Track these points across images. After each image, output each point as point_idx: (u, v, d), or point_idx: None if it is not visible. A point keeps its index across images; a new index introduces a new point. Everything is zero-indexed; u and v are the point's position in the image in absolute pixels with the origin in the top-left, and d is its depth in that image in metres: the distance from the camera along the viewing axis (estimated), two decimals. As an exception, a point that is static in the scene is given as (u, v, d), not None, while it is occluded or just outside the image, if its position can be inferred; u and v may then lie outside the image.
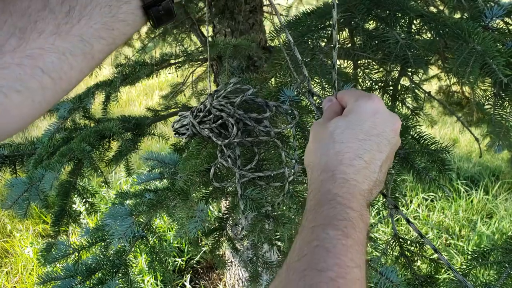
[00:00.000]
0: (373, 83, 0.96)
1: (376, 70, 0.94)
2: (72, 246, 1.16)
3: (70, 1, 0.42)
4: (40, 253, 1.31)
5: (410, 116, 1.06)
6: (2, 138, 0.43)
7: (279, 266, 1.46)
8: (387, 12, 0.81)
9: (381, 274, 0.85)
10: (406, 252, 0.98)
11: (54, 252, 1.20)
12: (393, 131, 0.55)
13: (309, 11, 0.88)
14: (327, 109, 0.62)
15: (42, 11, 0.40)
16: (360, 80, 0.96)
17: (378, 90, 0.99)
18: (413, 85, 0.95)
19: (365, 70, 0.94)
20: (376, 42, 0.80)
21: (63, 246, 1.16)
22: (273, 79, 0.86)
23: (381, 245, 1.01)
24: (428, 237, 3.01)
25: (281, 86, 0.78)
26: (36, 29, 0.40)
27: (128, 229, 0.92)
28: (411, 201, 3.33)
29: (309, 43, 0.81)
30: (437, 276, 0.94)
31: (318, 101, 0.74)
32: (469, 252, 0.93)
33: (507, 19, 0.82)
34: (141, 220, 1.05)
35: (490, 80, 0.73)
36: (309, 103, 0.76)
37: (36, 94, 0.41)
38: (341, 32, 0.89)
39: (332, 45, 0.63)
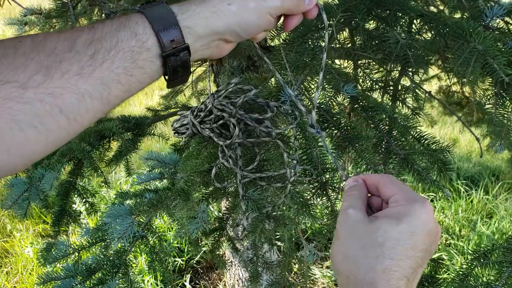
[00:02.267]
0: (373, 83, 0.96)
1: (376, 70, 0.94)
2: (72, 246, 1.16)
3: (96, 44, 0.43)
4: (40, 253, 1.31)
5: (411, 116, 1.07)
6: (8, 173, 0.43)
7: (279, 266, 1.46)
8: (388, 12, 0.81)
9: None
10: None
11: (54, 252, 1.20)
12: (436, 242, 0.50)
13: None
14: (351, 191, 0.54)
15: (68, 52, 0.42)
16: (361, 80, 0.96)
17: (378, 90, 0.99)
18: (414, 85, 0.95)
19: (365, 70, 0.94)
20: (377, 42, 0.80)
21: (63, 246, 1.16)
22: (273, 79, 0.86)
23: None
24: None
25: (281, 86, 0.78)
26: (60, 69, 0.41)
27: (128, 228, 0.91)
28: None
29: (310, 43, 0.81)
30: (438, 276, 0.94)
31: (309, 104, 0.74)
32: (470, 252, 0.93)
33: (507, 19, 0.82)
34: (141, 220, 1.04)
35: (490, 79, 0.73)
36: (308, 104, 0.76)
37: (51, 133, 0.42)
38: (341, 32, 0.89)
39: (324, 50, 0.63)
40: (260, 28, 0.53)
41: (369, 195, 0.56)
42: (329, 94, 0.83)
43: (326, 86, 0.82)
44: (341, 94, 0.81)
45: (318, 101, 0.84)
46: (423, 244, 0.48)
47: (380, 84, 0.96)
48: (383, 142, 0.82)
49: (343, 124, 0.81)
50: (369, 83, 0.95)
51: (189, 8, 0.49)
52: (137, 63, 0.46)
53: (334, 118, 0.81)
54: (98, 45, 0.43)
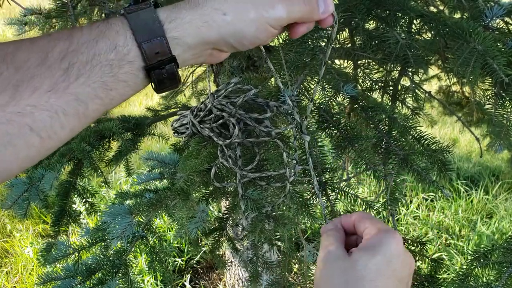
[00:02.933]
0: (373, 83, 0.96)
1: (376, 70, 0.94)
2: (72, 246, 1.16)
3: (70, 56, 0.40)
4: (40, 253, 1.31)
5: (410, 116, 1.07)
6: None
7: (279, 266, 1.46)
8: (387, 12, 0.81)
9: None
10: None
11: (54, 252, 1.20)
12: (411, 273, 0.52)
13: None
14: (332, 233, 0.55)
15: (40, 66, 0.39)
16: (360, 80, 0.96)
17: (378, 90, 0.99)
18: (413, 85, 0.95)
19: (365, 70, 0.94)
20: (376, 42, 0.80)
21: (63, 246, 1.16)
22: (272, 79, 0.86)
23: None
24: (428, 237, 3.01)
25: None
26: (31, 85, 0.38)
27: (127, 227, 0.91)
28: (411, 201, 3.33)
29: (309, 43, 0.81)
30: (438, 276, 0.94)
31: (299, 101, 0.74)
32: (470, 253, 0.93)
33: (507, 19, 0.82)
34: (141, 219, 1.05)
35: (490, 79, 0.73)
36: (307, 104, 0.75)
37: (21, 151, 0.40)
38: (341, 32, 0.89)
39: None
40: (259, 41, 0.48)
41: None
42: (328, 94, 0.83)
43: (326, 86, 0.82)
44: (340, 94, 0.81)
45: (318, 101, 0.85)
46: (401, 272, 0.49)
47: (380, 84, 0.96)
48: (383, 142, 0.82)
49: (342, 124, 0.81)
50: (368, 83, 0.96)
51: (178, 16, 0.44)
52: (118, 77, 0.42)
53: (334, 118, 0.81)
54: (73, 58, 0.40)
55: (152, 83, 0.46)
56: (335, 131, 0.81)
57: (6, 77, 0.38)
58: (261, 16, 0.46)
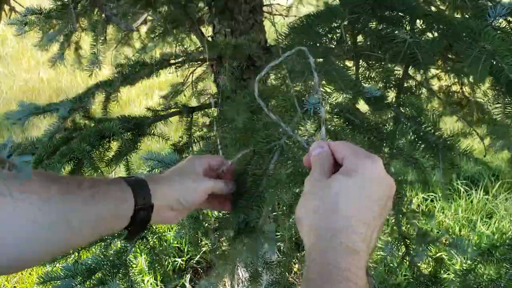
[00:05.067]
0: (387, 83, 0.95)
1: (387, 70, 0.93)
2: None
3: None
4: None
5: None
6: None
7: (279, 266, 1.45)
8: (392, 12, 0.80)
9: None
10: (411, 252, 0.98)
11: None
12: (390, 196, 0.54)
13: (313, 14, 0.86)
14: (318, 157, 0.58)
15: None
16: (374, 81, 0.96)
17: (392, 89, 0.98)
18: (418, 85, 0.94)
19: (376, 70, 0.93)
20: (382, 41, 0.79)
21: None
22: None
23: (383, 245, 1.01)
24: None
25: (302, 95, 0.77)
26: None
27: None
28: (411, 201, 3.33)
29: (318, 46, 0.81)
30: (441, 276, 0.94)
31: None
32: (474, 248, 0.93)
33: (510, 19, 0.82)
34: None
35: (493, 80, 0.73)
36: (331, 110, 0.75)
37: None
38: (349, 33, 0.88)
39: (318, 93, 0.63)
40: (200, 198, 0.69)
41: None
42: (349, 96, 0.81)
43: (345, 88, 0.80)
44: (362, 96, 0.80)
45: (337, 108, 0.83)
46: (377, 194, 0.52)
47: (391, 83, 0.95)
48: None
49: (373, 124, 0.80)
50: (380, 84, 0.94)
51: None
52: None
53: (363, 119, 0.80)
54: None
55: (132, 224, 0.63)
56: (365, 133, 0.80)
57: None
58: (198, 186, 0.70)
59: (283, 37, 0.88)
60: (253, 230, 0.79)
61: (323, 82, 0.80)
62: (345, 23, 0.77)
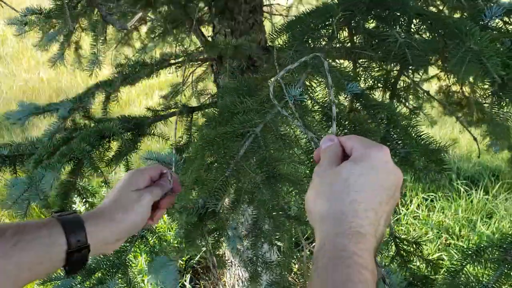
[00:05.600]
0: (375, 82, 0.95)
1: (377, 69, 0.94)
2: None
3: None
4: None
5: (410, 115, 1.07)
6: None
7: (278, 266, 1.46)
8: (387, 11, 0.81)
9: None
10: (402, 252, 0.98)
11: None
12: (398, 185, 0.54)
13: (309, 10, 0.88)
14: (327, 149, 0.59)
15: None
16: (362, 79, 0.96)
17: (380, 89, 0.98)
18: (412, 84, 0.95)
19: (366, 69, 0.94)
20: (376, 41, 0.80)
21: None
22: (272, 79, 0.86)
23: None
24: (428, 237, 3.01)
25: (284, 85, 0.78)
26: None
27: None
28: (411, 201, 3.33)
29: (310, 42, 0.81)
30: (432, 277, 0.94)
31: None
32: (464, 250, 0.93)
33: (506, 19, 0.82)
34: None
35: (488, 80, 0.73)
36: (312, 104, 0.75)
37: None
38: (341, 31, 0.89)
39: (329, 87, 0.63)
40: (144, 221, 0.69)
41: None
42: (334, 93, 0.82)
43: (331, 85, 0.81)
44: (344, 93, 0.81)
45: (321, 101, 0.84)
46: (385, 182, 0.52)
47: (381, 82, 0.96)
48: (385, 141, 0.82)
49: (351, 119, 0.81)
50: (370, 82, 0.95)
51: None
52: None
53: (339, 116, 0.81)
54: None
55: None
56: (341, 127, 0.81)
57: None
58: (140, 208, 0.68)
59: (278, 33, 0.88)
60: (215, 215, 0.80)
61: (309, 76, 0.80)
62: (338, 19, 0.77)
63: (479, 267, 0.89)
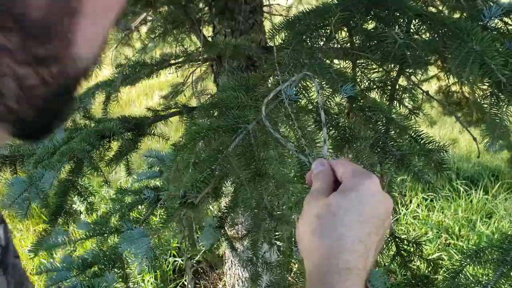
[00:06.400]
0: (372, 83, 0.96)
1: (375, 70, 0.94)
2: (69, 237, 1.16)
3: None
4: (32, 246, 1.30)
5: (408, 116, 1.07)
6: None
7: (278, 266, 1.46)
8: (386, 11, 0.81)
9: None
10: (402, 252, 0.99)
11: (50, 241, 1.20)
12: (388, 213, 0.54)
13: (308, 10, 0.88)
14: (318, 176, 0.58)
15: None
16: (359, 80, 0.96)
17: (376, 90, 0.99)
18: (411, 85, 0.95)
19: (364, 70, 0.94)
20: (375, 42, 0.80)
21: (60, 236, 1.16)
22: (271, 78, 0.87)
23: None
24: (428, 237, 3.01)
25: (279, 84, 0.78)
26: None
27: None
28: (410, 201, 3.33)
29: (308, 41, 0.82)
30: (433, 277, 0.94)
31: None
32: (463, 250, 0.94)
33: (506, 19, 0.82)
34: (139, 216, 1.05)
35: (489, 80, 0.73)
36: (306, 103, 0.76)
37: None
38: (339, 32, 0.89)
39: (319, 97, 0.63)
40: None
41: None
42: (327, 93, 0.83)
43: (325, 85, 0.82)
44: (339, 94, 0.81)
45: (315, 101, 0.85)
46: (374, 211, 0.52)
47: (378, 84, 0.96)
48: (380, 143, 0.82)
49: (341, 124, 0.81)
50: (367, 83, 0.96)
51: None
52: None
53: (333, 118, 0.82)
54: None
55: None
56: (333, 131, 0.81)
57: None
58: None
59: (277, 31, 0.89)
60: (193, 206, 0.81)
61: (303, 77, 0.81)
62: (336, 19, 0.77)
63: (478, 268, 0.89)
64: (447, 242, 3.01)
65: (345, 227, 0.50)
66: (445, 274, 0.94)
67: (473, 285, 0.85)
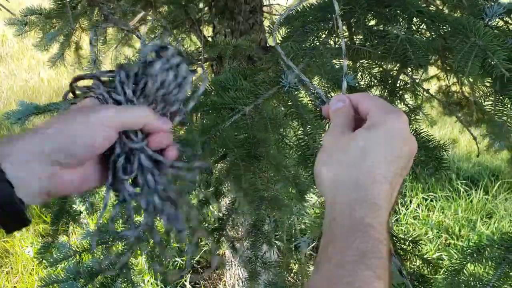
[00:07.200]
0: (372, 78, 0.95)
1: (377, 66, 0.94)
2: (73, 248, 1.16)
3: None
4: (38, 252, 1.30)
5: (409, 115, 1.07)
6: None
7: (278, 266, 1.45)
8: (388, 7, 0.81)
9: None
10: (399, 250, 0.98)
11: (55, 254, 1.20)
12: (412, 155, 0.52)
13: (309, 5, 0.88)
14: (338, 112, 0.55)
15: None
16: (359, 74, 0.96)
17: (377, 86, 0.98)
18: (412, 82, 0.95)
19: (365, 65, 0.94)
20: (377, 37, 0.80)
21: (64, 248, 1.16)
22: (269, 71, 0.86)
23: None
24: (428, 237, 3.01)
25: (280, 73, 0.78)
26: None
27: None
28: (410, 201, 3.33)
29: (309, 34, 0.81)
30: (429, 276, 0.94)
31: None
32: (464, 249, 0.93)
33: (507, 18, 0.82)
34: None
35: (490, 79, 0.73)
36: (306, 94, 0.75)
37: None
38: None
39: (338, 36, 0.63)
40: (104, 138, 0.48)
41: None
42: (328, 85, 0.82)
43: (326, 76, 0.81)
44: (338, 87, 0.81)
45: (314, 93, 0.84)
46: (401, 151, 0.50)
47: (378, 79, 0.96)
48: None
49: None
50: (368, 78, 0.95)
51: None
52: None
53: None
54: None
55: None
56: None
57: None
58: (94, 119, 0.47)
59: (279, 25, 0.89)
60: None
61: (308, 67, 0.80)
62: (340, 14, 0.77)
63: (479, 266, 0.89)
64: (447, 242, 3.00)
65: (373, 162, 0.48)
66: (445, 273, 0.94)
67: (473, 283, 0.84)
